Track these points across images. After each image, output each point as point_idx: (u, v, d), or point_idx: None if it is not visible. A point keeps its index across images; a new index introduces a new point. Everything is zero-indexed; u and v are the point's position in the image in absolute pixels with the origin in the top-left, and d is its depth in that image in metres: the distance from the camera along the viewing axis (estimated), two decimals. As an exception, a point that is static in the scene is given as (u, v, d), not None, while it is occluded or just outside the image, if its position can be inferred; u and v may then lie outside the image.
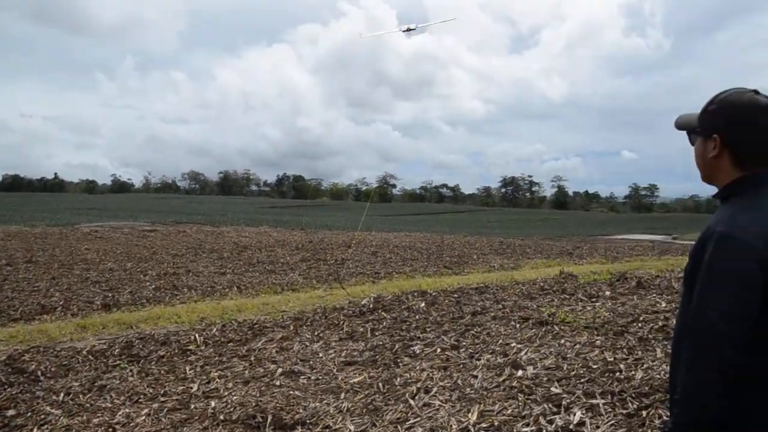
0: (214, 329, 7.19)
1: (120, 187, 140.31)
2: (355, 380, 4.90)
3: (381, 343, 6.07)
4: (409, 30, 27.25)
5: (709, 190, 1.83)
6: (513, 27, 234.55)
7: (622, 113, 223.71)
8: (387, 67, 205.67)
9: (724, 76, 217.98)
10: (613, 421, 3.59)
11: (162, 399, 4.82)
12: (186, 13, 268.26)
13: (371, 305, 8.00)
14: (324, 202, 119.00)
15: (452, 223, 61.47)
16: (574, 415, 3.71)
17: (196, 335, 6.85)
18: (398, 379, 4.77)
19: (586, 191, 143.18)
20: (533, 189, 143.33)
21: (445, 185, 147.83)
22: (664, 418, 3.42)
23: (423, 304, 7.84)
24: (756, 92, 1.69)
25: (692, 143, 1.83)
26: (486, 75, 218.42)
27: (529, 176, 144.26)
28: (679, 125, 1.87)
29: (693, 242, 1.75)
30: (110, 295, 10.84)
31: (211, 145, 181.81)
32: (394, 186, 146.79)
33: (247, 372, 5.43)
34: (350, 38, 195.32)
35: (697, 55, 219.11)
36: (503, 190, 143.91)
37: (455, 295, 8.60)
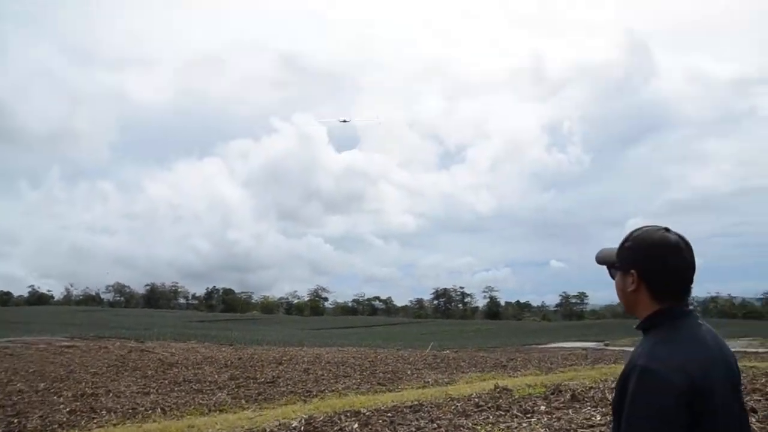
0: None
1: (38, 299, 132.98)
2: None
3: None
4: (345, 122, 31.33)
5: None
6: (440, 144, 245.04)
7: (548, 225, 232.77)
8: (318, 182, 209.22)
9: (639, 189, 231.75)
10: None
11: None
12: (118, 124, 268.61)
13: (302, 428, 7.69)
14: (254, 315, 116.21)
15: (386, 335, 60.82)
16: None
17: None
18: None
19: (518, 301, 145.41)
20: (465, 300, 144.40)
21: (377, 298, 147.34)
22: None
23: (356, 425, 7.60)
24: (667, 230, 1.83)
25: (612, 277, 1.94)
26: (416, 190, 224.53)
27: (461, 287, 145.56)
28: (600, 260, 1.99)
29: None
30: (16, 421, 9.99)
31: (138, 257, 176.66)
32: (326, 299, 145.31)
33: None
34: (282, 154, 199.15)
35: (615, 170, 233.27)
36: (435, 302, 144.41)
37: (389, 415, 8.38)
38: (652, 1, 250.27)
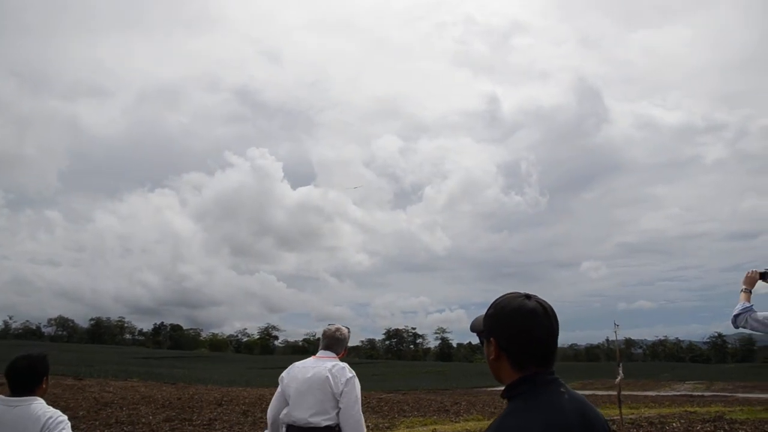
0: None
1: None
2: None
3: None
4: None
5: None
6: (397, 183, 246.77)
7: (501, 265, 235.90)
8: (271, 217, 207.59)
9: (591, 231, 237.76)
10: None
11: None
12: (69, 153, 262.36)
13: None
14: (202, 353, 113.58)
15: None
16: None
17: None
18: None
19: (470, 342, 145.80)
20: (417, 341, 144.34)
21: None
22: None
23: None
24: (527, 297, 1.79)
25: (482, 345, 1.88)
26: (371, 228, 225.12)
27: (413, 328, 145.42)
28: (472, 328, 1.96)
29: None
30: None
31: (84, 290, 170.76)
32: (276, 338, 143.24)
33: None
34: (235, 188, 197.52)
35: (568, 211, 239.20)
36: (387, 342, 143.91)
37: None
38: (602, 50, 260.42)
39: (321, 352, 4.58)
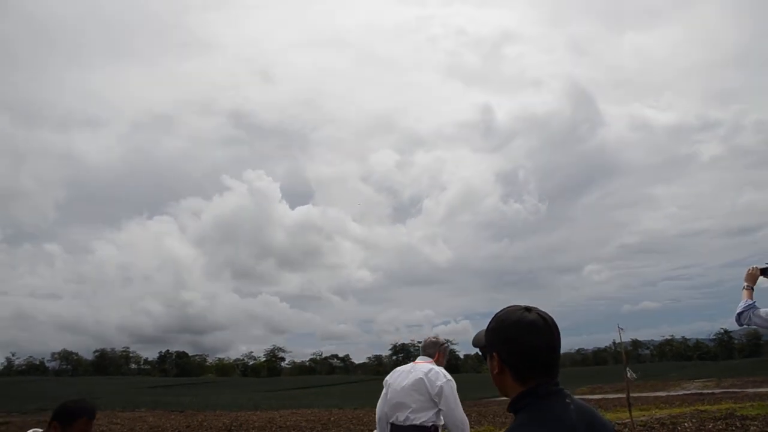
0: None
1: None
2: None
3: None
4: None
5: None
6: (395, 197, 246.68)
7: (504, 274, 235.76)
8: (271, 238, 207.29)
9: (592, 235, 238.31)
10: None
11: None
12: (65, 184, 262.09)
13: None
14: (209, 379, 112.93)
15: (344, 394, 59.72)
16: None
17: None
18: None
19: (477, 353, 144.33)
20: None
21: (335, 356, 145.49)
22: None
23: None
24: (527, 309, 1.79)
25: (485, 360, 1.88)
26: (371, 244, 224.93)
27: (419, 342, 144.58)
28: (474, 343, 1.97)
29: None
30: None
31: (86, 322, 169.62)
32: (282, 359, 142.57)
33: None
34: (234, 211, 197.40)
35: (567, 216, 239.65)
36: (394, 357, 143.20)
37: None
38: (593, 55, 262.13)
39: (419, 358, 5.01)
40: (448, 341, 5.33)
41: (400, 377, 4.84)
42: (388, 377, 4.98)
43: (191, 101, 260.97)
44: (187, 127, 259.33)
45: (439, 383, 4.63)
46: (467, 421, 4.69)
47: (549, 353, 1.75)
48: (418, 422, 4.59)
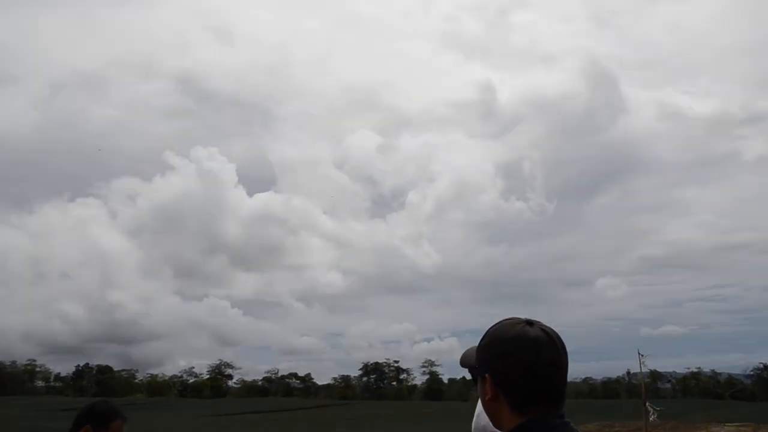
0: None
1: None
2: None
3: None
4: None
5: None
6: (374, 187, 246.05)
7: (500, 284, 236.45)
8: (223, 230, 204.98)
9: (607, 243, 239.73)
10: None
11: None
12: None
13: None
14: (138, 399, 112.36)
15: (304, 420, 59.88)
16: None
17: None
18: None
19: (464, 377, 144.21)
20: (401, 377, 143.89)
21: (294, 375, 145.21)
22: None
23: None
24: (529, 323, 1.72)
25: (475, 383, 1.83)
26: (344, 242, 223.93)
27: (396, 361, 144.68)
28: (463, 362, 1.90)
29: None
30: None
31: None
32: (230, 377, 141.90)
33: None
34: (178, 196, 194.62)
35: (578, 220, 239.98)
36: (365, 378, 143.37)
37: None
38: (618, 28, 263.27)
39: None
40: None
41: None
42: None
43: (128, 61, 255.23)
44: (122, 91, 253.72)
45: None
46: None
47: (554, 378, 1.68)
48: None
